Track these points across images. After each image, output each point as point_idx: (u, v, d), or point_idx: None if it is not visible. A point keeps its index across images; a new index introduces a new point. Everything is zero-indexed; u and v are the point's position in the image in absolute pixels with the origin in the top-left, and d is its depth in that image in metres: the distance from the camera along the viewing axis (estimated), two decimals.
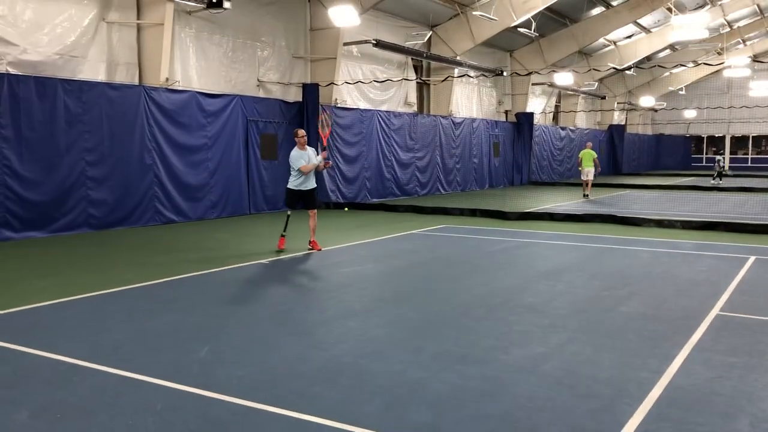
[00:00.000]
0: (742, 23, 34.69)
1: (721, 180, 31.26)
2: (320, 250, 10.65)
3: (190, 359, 5.19)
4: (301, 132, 10.68)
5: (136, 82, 14.26)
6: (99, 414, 4.14)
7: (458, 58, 23.34)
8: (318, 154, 10.76)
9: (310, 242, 10.79)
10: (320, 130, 11.69)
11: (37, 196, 12.05)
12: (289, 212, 10.89)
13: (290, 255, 10.26)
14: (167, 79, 14.43)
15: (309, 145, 11.02)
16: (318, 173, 11.55)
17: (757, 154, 46.62)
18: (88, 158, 12.90)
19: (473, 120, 26.51)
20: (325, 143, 11.61)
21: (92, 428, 3.93)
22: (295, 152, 10.58)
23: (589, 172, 22.59)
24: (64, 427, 3.96)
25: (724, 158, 32.98)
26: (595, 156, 22.67)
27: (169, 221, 14.45)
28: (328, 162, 10.92)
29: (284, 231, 10.79)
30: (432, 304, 7.18)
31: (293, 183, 10.61)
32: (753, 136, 46.41)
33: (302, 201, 10.77)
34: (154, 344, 5.61)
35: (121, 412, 4.17)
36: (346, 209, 17.93)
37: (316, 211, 10.82)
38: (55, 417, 4.09)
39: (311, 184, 10.70)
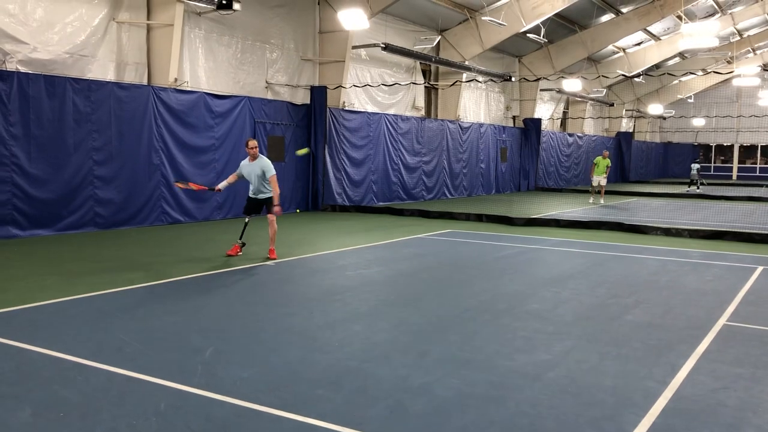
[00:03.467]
0: (752, 32, 34.58)
1: (698, 188, 30.69)
2: (275, 258, 9.99)
3: (194, 360, 5.18)
4: (252, 143, 10.00)
5: (145, 82, 14.31)
6: (102, 413, 4.13)
7: (467, 62, 23.35)
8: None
9: (269, 251, 10.26)
10: (188, 185, 11.15)
11: (44, 194, 12.09)
12: (246, 219, 10.45)
13: (295, 258, 10.26)
14: (176, 80, 14.48)
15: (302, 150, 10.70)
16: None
17: (765, 163, 46.38)
18: (96, 157, 12.95)
19: (481, 125, 26.49)
20: (196, 188, 11.02)
21: (95, 427, 3.93)
22: (242, 162, 10.30)
23: (600, 179, 22.61)
24: (67, 425, 3.96)
25: (697, 167, 31.94)
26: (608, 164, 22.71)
27: (176, 221, 14.48)
28: (277, 208, 10.13)
29: (240, 239, 10.39)
30: (437, 308, 7.16)
31: (250, 190, 10.30)
32: (762, 146, 46.19)
33: (258, 208, 10.33)
34: (158, 344, 5.61)
35: (124, 411, 4.16)
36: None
37: (274, 217, 10.14)
38: (57, 415, 4.09)
39: (263, 194, 10.15)
